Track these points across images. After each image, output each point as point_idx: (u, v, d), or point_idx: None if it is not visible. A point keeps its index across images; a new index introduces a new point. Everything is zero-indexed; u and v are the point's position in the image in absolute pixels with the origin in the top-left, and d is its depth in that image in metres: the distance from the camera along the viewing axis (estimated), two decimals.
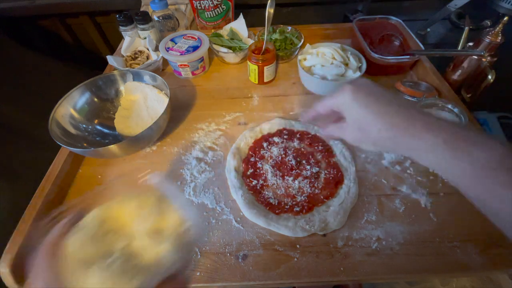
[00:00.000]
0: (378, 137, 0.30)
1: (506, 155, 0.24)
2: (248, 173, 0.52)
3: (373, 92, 0.32)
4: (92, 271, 0.21)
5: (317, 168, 0.52)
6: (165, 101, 0.57)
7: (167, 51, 0.70)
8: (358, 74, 0.63)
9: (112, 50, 1.23)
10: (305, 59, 0.68)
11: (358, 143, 0.34)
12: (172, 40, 0.73)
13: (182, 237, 0.24)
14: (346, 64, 0.65)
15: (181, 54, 0.69)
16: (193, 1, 0.82)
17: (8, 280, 0.41)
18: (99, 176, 0.56)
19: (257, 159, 0.54)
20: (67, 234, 0.23)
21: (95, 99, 0.62)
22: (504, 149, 0.25)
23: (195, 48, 0.70)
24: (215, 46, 0.76)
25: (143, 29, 0.77)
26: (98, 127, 0.61)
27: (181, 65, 0.70)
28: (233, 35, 0.78)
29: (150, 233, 0.24)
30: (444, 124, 0.28)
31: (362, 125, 0.32)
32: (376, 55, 0.66)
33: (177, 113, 0.65)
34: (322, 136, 0.53)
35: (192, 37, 0.73)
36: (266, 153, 0.55)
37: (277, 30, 0.78)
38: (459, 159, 0.26)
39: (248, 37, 0.80)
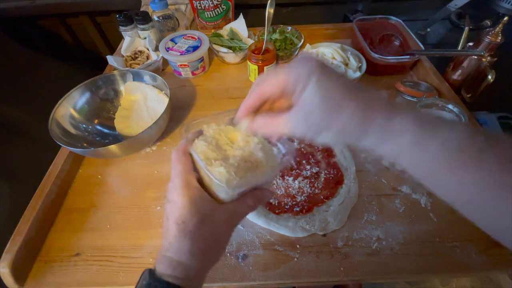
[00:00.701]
0: (349, 121, 0.24)
1: (474, 135, 0.22)
2: None
3: (338, 72, 0.26)
4: (217, 164, 0.28)
5: (317, 168, 0.52)
6: (165, 101, 0.57)
7: (167, 51, 0.70)
8: (358, 74, 0.63)
9: (112, 50, 1.23)
10: None
11: (315, 133, 0.25)
12: (172, 40, 0.73)
13: (276, 161, 0.31)
14: (346, 64, 0.65)
15: (181, 54, 0.69)
16: (193, 1, 0.83)
17: (8, 280, 0.41)
18: (99, 176, 0.56)
19: None
20: (196, 141, 0.30)
21: (95, 99, 0.62)
22: (470, 129, 0.23)
23: (195, 48, 0.70)
24: (215, 46, 0.76)
25: (143, 29, 0.77)
26: (98, 127, 0.61)
27: (181, 65, 0.70)
28: (233, 35, 0.78)
29: (255, 152, 0.30)
30: (411, 107, 0.27)
31: (329, 108, 0.24)
32: (376, 55, 0.66)
33: (177, 113, 0.65)
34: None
35: (192, 37, 0.73)
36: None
37: (277, 30, 0.78)
38: (429, 143, 0.23)
39: (248, 37, 0.80)
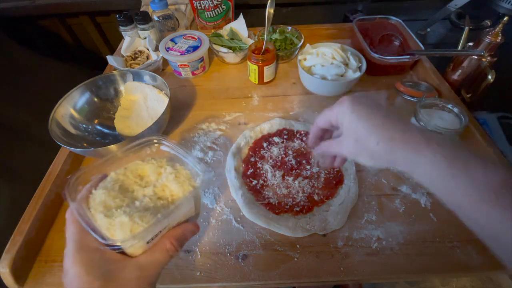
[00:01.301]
0: (376, 149, 0.29)
1: (508, 179, 0.23)
2: (248, 173, 0.52)
3: (371, 104, 0.31)
4: (118, 213, 0.24)
5: (317, 168, 0.52)
6: (165, 101, 0.57)
7: (167, 51, 0.70)
8: (358, 74, 0.63)
9: (112, 50, 1.23)
10: (305, 59, 0.68)
11: (355, 156, 0.31)
12: (172, 40, 0.73)
13: (196, 190, 0.28)
14: (346, 64, 0.65)
15: (181, 54, 0.69)
16: (193, 1, 0.82)
17: (8, 280, 0.41)
18: None
19: (257, 159, 0.54)
20: (93, 191, 0.27)
21: (95, 99, 0.62)
22: (505, 173, 0.24)
23: (195, 48, 0.70)
24: (215, 46, 0.76)
25: (143, 29, 0.77)
26: (98, 127, 0.61)
27: (181, 65, 0.70)
28: (233, 35, 0.78)
29: (168, 184, 0.28)
30: (444, 140, 0.27)
31: (360, 137, 0.30)
32: (376, 55, 0.66)
33: (177, 113, 0.65)
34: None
35: (192, 37, 0.73)
36: (266, 153, 0.55)
37: (277, 30, 0.78)
38: (459, 178, 0.25)
39: (248, 37, 0.80)
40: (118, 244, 0.24)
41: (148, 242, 0.26)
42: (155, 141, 0.32)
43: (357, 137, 0.30)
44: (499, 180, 0.23)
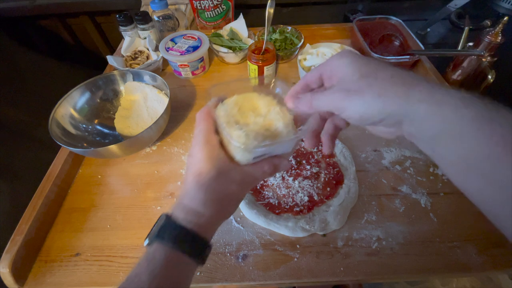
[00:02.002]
0: (387, 80, 0.23)
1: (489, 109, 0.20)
2: None
3: (375, 61, 0.26)
4: (237, 127, 0.29)
5: (317, 168, 0.52)
6: (165, 101, 0.57)
7: (167, 51, 0.70)
8: None
9: (112, 50, 1.23)
10: (305, 59, 0.68)
11: (347, 102, 0.24)
12: (172, 40, 0.73)
13: (298, 136, 0.31)
14: None
15: (181, 54, 0.69)
16: (193, 1, 0.82)
17: (8, 280, 0.41)
18: (99, 176, 0.56)
19: None
20: (219, 105, 0.31)
21: (95, 99, 0.62)
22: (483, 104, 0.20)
23: (195, 48, 0.70)
24: (215, 46, 0.76)
25: (143, 29, 0.77)
26: (98, 127, 0.61)
27: (181, 65, 0.70)
28: (233, 35, 0.78)
29: (274, 123, 0.31)
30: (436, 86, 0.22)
31: (364, 73, 0.24)
32: (376, 55, 0.66)
33: (177, 113, 0.65)
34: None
35: (192, 37, 0.73)
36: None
37: (277, 30, 0.78)
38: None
39: (248, 37, 0.80)
40: (238, 144, 0.28)
41: (254, 159, 0.30)
42: (276, 81, 0.37)
43: (359, 75, 0.25)
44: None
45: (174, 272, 0.26)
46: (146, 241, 0.27)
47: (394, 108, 0.23)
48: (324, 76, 0.29)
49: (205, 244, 0.28)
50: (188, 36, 0.73)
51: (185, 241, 0.27)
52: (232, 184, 0.29)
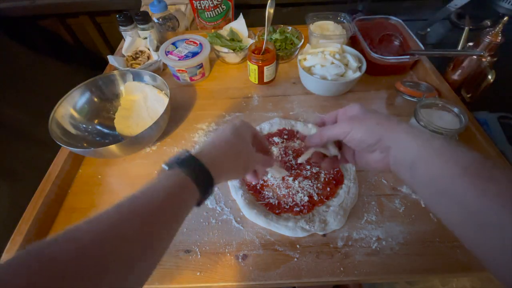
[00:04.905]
0: (370, 124, 0.32)
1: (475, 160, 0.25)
2: None
3: (375, 111, 0.35)
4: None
5: (317, 168, 0.52)
6: (165, 101, 0.57)
7: (167, 55, 0.70)
8: (358, 74, 0.63)
9: (112, 50, 1.23)
10: (305, 59, 0.68)
11: (350, 130, 0.33)
12: (173, 43, 0.72)
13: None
14: (346, 65, 0.65)
15: (179, 59, 0.68)
16: (193, 1, 0.83)
17: None
18: (99, 176, 0.56)
19: None
20: None
21: (95, 99, 0.62)
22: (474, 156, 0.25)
23: (195, 54, 0.69)
24: (215, 47, 0.76)
25: (143, 29, 0.77)
26: (98, 127, 0.61)
27: (179, 70, 0.70)
28: (233, 35, 0.78)
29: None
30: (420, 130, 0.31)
31: (369, 112, 0.34)
32: (376, 55, 0.66)
33: (177, 113, 0.65)
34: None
35: (194, 42, 0.72)
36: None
37: (277, 30, 0.78)
38: (424, 148, 0.28)
39: (248, 37, 0.80)
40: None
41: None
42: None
43: (360, 119, 0.34)
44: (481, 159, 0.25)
45: (183, 195, 0.29)
46: (166, 166, 0.30)
47: (387, 134, 0.31)
48: (339, 117, 0.38)
49: (212, 183, 0.31)
50: (190, 41, 0.73)
51: (200, 175, 0.30)
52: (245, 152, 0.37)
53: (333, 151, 0.39)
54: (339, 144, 0.39)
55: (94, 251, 0.20)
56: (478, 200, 0.23)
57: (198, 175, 0.30)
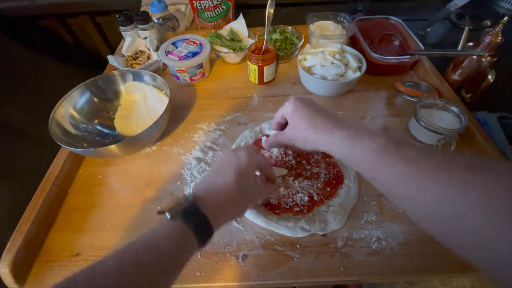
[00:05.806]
0: (306, 134, 0.38)
1: (387, 142, 0.30)
2: None
3: (309, 102, 0.40)
4: None
5: (317, 168, 0.52)
6: (165, 101, 0.57)
7: (167, 55, 0.70)
8: (358, 74, 0.63)
9: (112, 50, 1.23)
10: (305, 59, 0.68)
11: (293, 140, 0.41)
12: (173, 43, 0.72)
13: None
14: (346, 64, 0.65)
15: (179, 59, 0.68)
16: (193, 1, 0.83)
17: (8, 280, 0.41)
18: (99, 176, 0.56)
19: None
20: None
21: (95, 99, 0.62)
22: (386, 138, 0.31)
23: (195, 54, 0.69)
24: (215, 47, 0.76)
25: (143, 29, 0.77)
26: (98, 127, 0.61)
27: (179, 70, 0.70)
28: (233, 35, 0.78)
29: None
30: (351, 124, 0.36)
31: (296, 126, 0.39)
32: (376, 55, 0.66)
33: (177, 113, 0.65)
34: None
35: (194, 42, 0.72)
36: (266, 153, 0.55)
37: (277, 30, 0.78)
38: (358, 148, 0.33)
39: (248, 37, 0.80)
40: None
41: None
42: None
43: (294, 125, 0.40)
44: (383, 142, 0.31)
45: (185, 246, 0.30)
46: (168, 215, 0.31)
47: (317, 143, 0.37)
48: (283, 116, 0.43)
49: (211, 234, 0.32)
50: (190, 41, 0.73)
51: (200, 226, 0.31)
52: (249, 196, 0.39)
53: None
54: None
55: None
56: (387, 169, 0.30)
57: (198, 226, 0.31)
